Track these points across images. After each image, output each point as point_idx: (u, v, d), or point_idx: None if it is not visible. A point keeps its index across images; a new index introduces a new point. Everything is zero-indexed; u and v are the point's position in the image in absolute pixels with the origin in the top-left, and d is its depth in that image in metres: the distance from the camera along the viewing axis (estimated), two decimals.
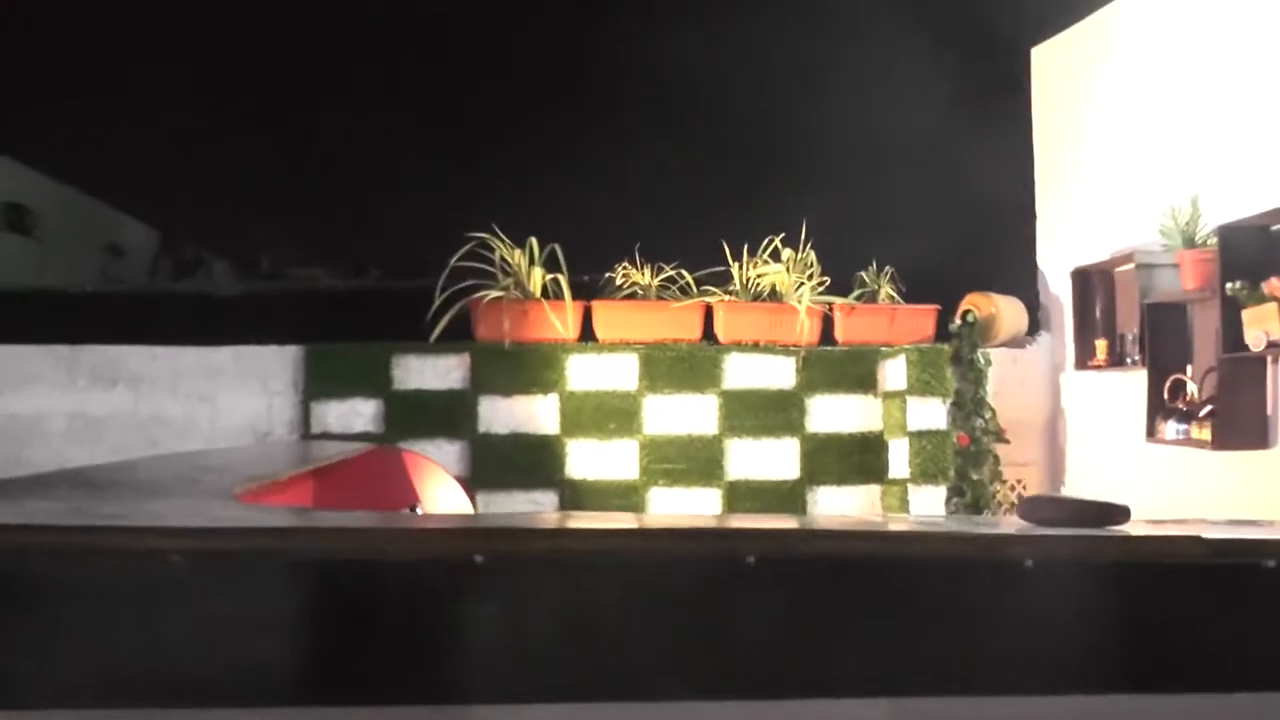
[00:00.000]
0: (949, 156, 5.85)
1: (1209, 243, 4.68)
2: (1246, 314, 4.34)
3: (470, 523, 2.46)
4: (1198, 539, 1.78)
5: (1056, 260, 6.06)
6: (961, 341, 5.70)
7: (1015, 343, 6.09)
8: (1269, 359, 4.41)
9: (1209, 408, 4.64)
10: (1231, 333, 4.43)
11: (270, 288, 5.65)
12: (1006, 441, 5.68)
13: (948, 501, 5.46)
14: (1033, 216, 6.28)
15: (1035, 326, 6.18)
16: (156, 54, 6.31)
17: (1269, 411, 4.49)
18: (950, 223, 6.13)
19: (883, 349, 5.71)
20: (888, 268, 5.88)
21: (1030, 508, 1.90)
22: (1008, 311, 5.99)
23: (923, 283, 5.99)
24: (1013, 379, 6.02)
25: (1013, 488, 5.91)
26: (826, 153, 5.87)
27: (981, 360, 5.68)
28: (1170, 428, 4.84)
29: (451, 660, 1.58)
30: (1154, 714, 1.63)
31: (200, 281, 5.79)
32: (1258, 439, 4.49)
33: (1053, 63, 6.20)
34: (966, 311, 5.80)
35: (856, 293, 5.82)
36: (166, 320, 5.29)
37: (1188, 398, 4.85)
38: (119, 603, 1.52)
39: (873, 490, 5.66)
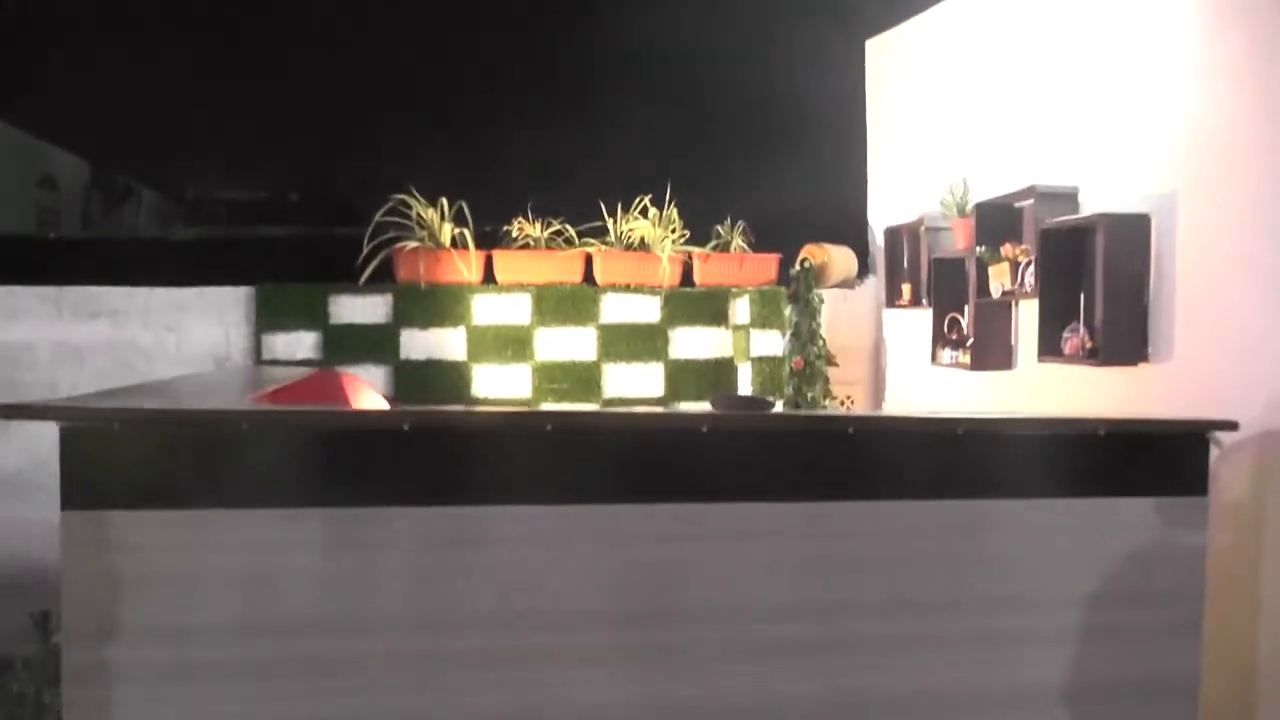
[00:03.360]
0: (797, 129, 7.03)
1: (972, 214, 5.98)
2: (991, 270, 5.65)
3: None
4: (796, 415, 3.09)
5: (881, 218, 7.35)
6: (799, 284, 6.99)
7: (847, 284, 7.37)
8: (1011, 302, 5.74)
9: (971, 339, 5.97)
10: (982, 283, 5.76)
11: (221, 233, 6.67)
12: (835, 365, 6.99)
13: None
14: (865, 182, 7.56)
15: (865, 271, 7.47)
16: None
17: (1012, 342, 5.84)
18: (796, 185, 7.37)
19: (733, 290, 6.93)
20: (740, 222, 7.09)
21: (714, 400, 3.20)
22: (839, 259, 7.26)
23: (770, 235, 7.23)
24: (844, 313, 7.32)
25: (843, 402, 7.24)
26: (688, 119, 7.03)
27: (816, 299, 6.97)
28: (945, 354, 6.17)
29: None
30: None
31: (159, 228, 6.75)
32: (1005, 362, 5.84)
33: (881, 55, 7.44)
34: (804, 260, 7.07)
35: (712, 243, 7.03)
36: (138, 263, 6.29)
37: (961, 332, 6.17)
38: None
39: None
